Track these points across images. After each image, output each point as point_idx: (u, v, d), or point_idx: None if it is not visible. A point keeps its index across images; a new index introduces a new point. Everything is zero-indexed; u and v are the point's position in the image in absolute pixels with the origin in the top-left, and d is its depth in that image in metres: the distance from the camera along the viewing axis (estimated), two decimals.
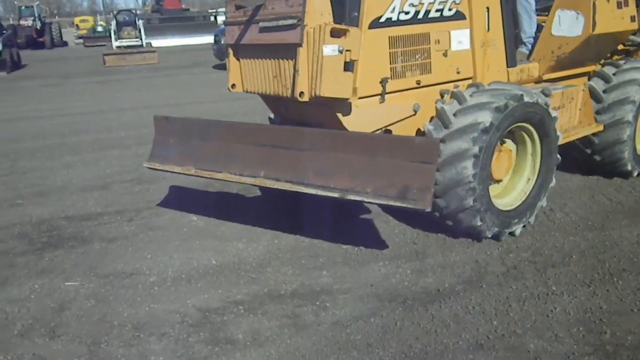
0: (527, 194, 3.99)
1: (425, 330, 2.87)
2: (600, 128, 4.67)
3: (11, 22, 35.46)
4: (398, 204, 3.13)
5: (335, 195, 3.31)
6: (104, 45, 25.33)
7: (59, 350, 2.84)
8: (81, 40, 35.57)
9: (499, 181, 3.98)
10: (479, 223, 3.64)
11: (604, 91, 4.71)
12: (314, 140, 3.51)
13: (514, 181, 4.05)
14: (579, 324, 2.87)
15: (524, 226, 3.95)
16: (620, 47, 5.20)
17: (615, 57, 5.17)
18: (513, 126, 3.76)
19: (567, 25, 4.42)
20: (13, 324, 3.11)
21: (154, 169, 4.30)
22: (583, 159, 4.97)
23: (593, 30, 4.33)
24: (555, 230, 3.99)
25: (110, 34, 22.95)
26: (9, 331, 3.04)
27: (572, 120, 4.67)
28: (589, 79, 4.86)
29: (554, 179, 4.10)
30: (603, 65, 4.93)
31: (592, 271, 3.40)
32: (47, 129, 8.70)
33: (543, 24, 4.66)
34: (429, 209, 3.09)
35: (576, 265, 3.48)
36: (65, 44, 35.90)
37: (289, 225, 4.23)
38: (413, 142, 3.24)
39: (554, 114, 3.94)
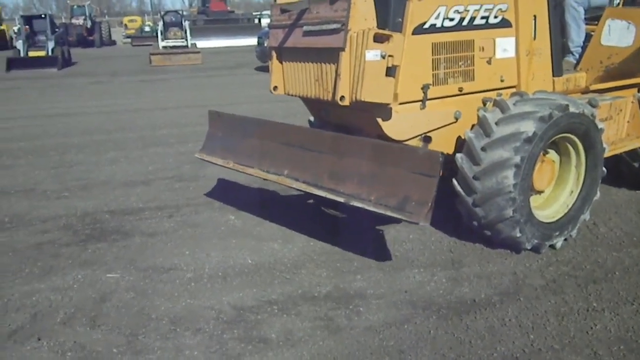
0: (570, 206, 3.89)
1: (459, 340, 2.84)
2: None
3: (63, 21, 36.77)
4: (395, 214, 3.10)
5: (342, 200, 3.39)
6: (150, 44, 25.91)
7: (99, 340, 2.94)
8: (129, 40, 36.50)
9: (540, 192, 3.90)
10: (518, 234, 3.57)
11: None
12: (332, 144, 3.62)
13: (556, 193, 3.96)
14: (620, 343, 2.78)
15: (565, 239, 3.86)
16: None
17: None
18: (557, 137, 3.68)
19: (617, 35, 4.31)
20: (56, 311, 3.23)
21: (203, 159, 4.59)
22: (630, 172, 4.82)
23: None
24: (598, 245, 3.88)
25: (157, 34, 23.49)
26: (53, 318, 3.15)
27: (619, 132, 4.54)
28: (638, 91, 4.71)
29: (598, 193, 3.99)
30: None
31: (636, 289, 3.29)
32: (94, 125, 8.99)
33: (592, 33, 4.55)
34: (424, 223, 3.01)
35: (619, 282, 3.37)
36: (113, 42, 36.95)
37: (325, 228, 4.25)
38: (417, 153, 3.20)
39: (600, 125, 3.83)
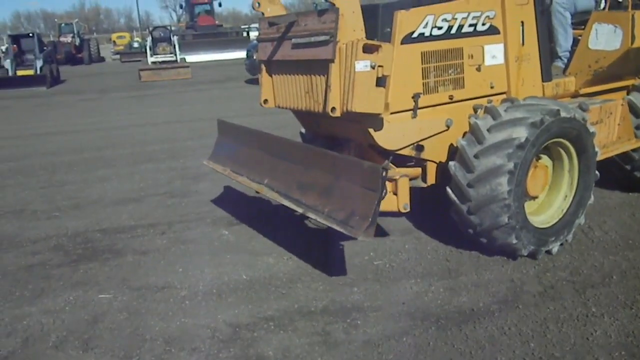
0: (565, 211, 3.88)
1: (459, 351, 2.80)
2: None
3: (51, 39, 36.66)
4: (340, 228, 3.08)
5: (301, 210, 3.45)
6: (139, 60, 25.88)
7: None
8: (118, 56, 36.42)
9: (534, 198, 3.89)
10: (514, 241, 3.55)
11: None
12: (302, 156, 3.73)
13: (550, 198, 3.94)
14: (620, 348, 2.75)
15: (561, 244, 3.84)
16: None
17: None
18: (549, 142, 3.67)
19: (604, 38, 4.32)
20: (48, 335, 3.16)
21: (209, 166, 4.73)
22: (622, 175, 4.82)
23: (632, 43, 4.22)
24: (594, 249, 3.87)
25: (145, 49, 23.48)
26: (44, 342, 3.09)
27: (610, 135, 4.54)
28: (627, 93, 4.73)
29: (592, 196, 3.98)
30: None
31: (634, 292, 3.27)
32: (84, 143, 8.93)
33: (579, 37, 4.56)
34: (363, 238, 2.95)
35: (617, 286, 3.35)
36: (102, 59, 36.88)
37: (320, 240, 4.21)
38: (362, 167, 3.16)
39: (591, 129, 3.83)
